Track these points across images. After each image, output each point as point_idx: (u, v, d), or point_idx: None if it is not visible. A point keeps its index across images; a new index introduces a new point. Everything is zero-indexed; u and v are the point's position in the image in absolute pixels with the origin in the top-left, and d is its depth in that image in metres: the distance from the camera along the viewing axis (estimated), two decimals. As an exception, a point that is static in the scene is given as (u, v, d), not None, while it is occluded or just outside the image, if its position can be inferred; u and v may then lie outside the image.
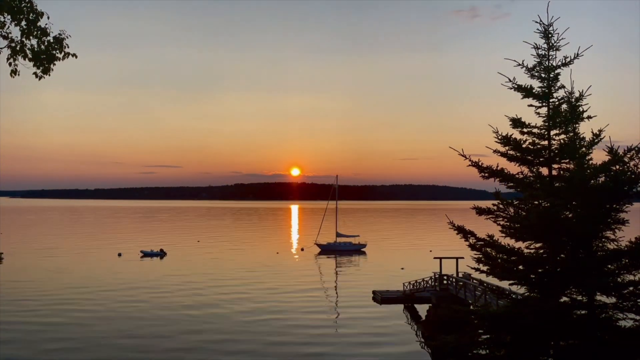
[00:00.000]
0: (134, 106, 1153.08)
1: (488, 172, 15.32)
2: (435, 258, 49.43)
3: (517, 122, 15.41)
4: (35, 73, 9.29)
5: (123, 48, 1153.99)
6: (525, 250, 14.66)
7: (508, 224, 14.88)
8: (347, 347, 33.42)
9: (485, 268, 14.64)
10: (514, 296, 15.38)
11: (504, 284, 15.70)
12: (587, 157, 14.63)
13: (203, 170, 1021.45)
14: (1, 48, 9.13)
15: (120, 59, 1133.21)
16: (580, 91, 14.91)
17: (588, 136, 14.74)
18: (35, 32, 9.01)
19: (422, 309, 43.42)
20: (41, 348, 32.62)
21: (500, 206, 15.20)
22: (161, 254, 78.20)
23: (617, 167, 13.84)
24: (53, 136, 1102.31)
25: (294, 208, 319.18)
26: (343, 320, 40.53)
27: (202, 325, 38.14)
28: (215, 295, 49.12)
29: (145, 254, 78.26)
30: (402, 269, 65.07)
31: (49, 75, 9.47)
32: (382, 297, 46.51)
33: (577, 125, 14.98)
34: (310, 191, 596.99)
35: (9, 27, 9.01)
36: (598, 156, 14.45)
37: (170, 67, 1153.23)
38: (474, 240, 14.98)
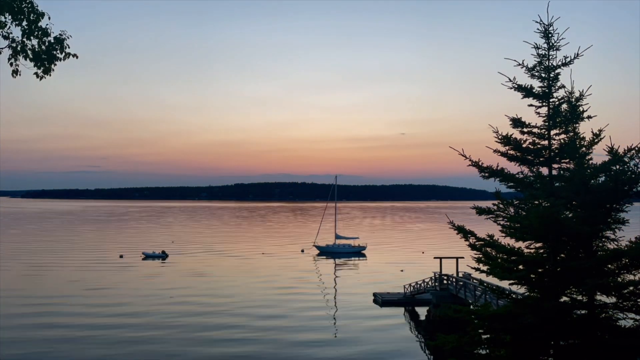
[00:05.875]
0: (133, 104, 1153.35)
1: (488, 172, 15.32)
2: (435, 258, 49.42)
3: (517, 122, 15.42)
4: (36, 73, 9.29)
5: (123, 43, 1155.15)
6: (525, 250, 14.65)
7: (508, 223, 14.88)
8: (349, 350, 33.42)
9: (485, 268, 14.62)
10: (514, 296, 15.38)
11: (504, 284, 15.70)
12: (587, 157, 14.63)
13: (203, 170, 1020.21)
14: (2, 48, 9.14)
15: (122, 54, 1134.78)
16: (581, 91, 14.92)
17: (588, 136, 14.75)
18: (36, 33, 9.01)
19: (423, 312, 43.41)
20: (39, 348, 32.61)
21: (500, 206, 15.20)
22: (163, 256, 78.11)
23: (617, 167, 13.85)
24: (53, 135, 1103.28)
25: (294, 208, 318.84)
26: (345, 323, 40.50)
27: (200, 326, 38.14)
28: (214, 297, 49.11)
29: (147, 256, 78.19)
30: (402, 270, 65.00)
31: (50, 75, 9.47)
32: (383, 300, 46.49)
33: (577, 125, 14.98)
34: (310, 191, 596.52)
35: (9, 27, 9.02)
36: (598, 156, 14.47)
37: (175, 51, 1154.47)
38: (474, 240, 14.97)
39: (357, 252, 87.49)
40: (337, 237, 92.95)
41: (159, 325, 38.18)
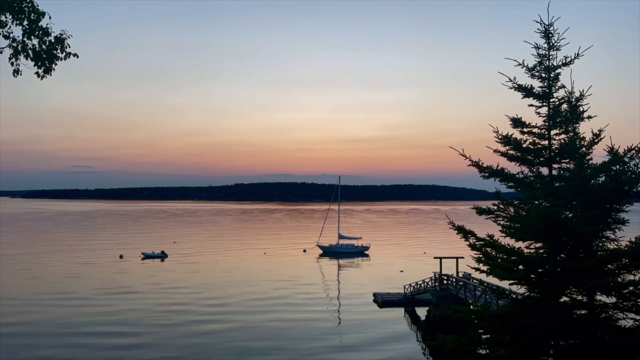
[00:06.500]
0: (133, 104, 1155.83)
1: (488, 172, 15.34)
2: (435, 258, 49.37)
3: (517, 122, 15.44)
4: (37, 73, 9.31)
5: (124, 44, 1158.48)
6: (525, 250, 14.67)
7: (508, 224, 14.90)
8: (348, 350, 33.42)
9: (485, 268, 14.64)
10: (514, 296, 15.40)
11: (504, 284, 15.71)
12: (587, 157, 14.65)
13: (203, 170, 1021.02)
14: (2, 48, 9.16)
15: (122, 54, 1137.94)
16: (581, 91, 14.94)
17: (588, 136, 14.78)
18: (37, 32, 9.03)
19: (423, 312, 43.34)
20: (39, 349, 32.64)
21: (501, 206, 15.23)
22: (162, 256, 78.04)
23: (617, 167, 13.86)
24: (53, 135, 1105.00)
25: (294, 209, 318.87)
26: (344, 323, 40.51)
27: (200, 325, 38.16)
28: (215, 297, 49.13)
29: (147, 256, 78.14)
30: (402, 271, 64.91)
31: (51, 75, 9.50)
32: (383, 300, 46.45)
33: (577, 125, 15.01)
34: (310, 192, 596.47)
35: (10, 27, 9.04)
36: (598, 156, 14.49)
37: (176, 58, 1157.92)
38: (474, 240, 14.99)
39: (360, 252, 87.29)
40: (340, 237, 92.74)
41: (159, 325, 38.22)
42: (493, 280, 16.95)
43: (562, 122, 15.05)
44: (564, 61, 15.00)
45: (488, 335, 14.95)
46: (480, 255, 14.82)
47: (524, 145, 15.36)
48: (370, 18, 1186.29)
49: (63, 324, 38.41)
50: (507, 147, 15.49)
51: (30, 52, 9.14)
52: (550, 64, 15.12)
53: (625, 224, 14.38)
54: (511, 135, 15.38)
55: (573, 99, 15.01)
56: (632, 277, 13.86)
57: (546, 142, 15.26)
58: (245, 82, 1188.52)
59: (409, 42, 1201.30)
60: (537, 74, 15.26)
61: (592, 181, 14.16)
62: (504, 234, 14.98)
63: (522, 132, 15.47)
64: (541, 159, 15.31)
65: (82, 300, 46.53)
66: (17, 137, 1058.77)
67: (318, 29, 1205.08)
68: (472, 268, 15.05)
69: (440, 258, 46.66)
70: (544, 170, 15.36)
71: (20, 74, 9.32)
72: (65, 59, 9.33)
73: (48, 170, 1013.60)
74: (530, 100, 15.44)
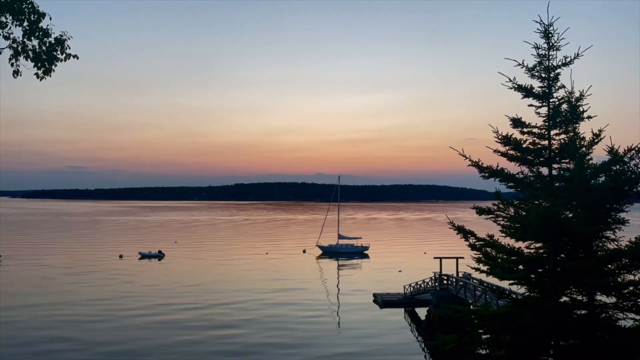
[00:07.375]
0: (132, 104, 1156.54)
1: (488, 172, 15.35)
2: (435, 258, 49.35)
3: (517, 122, 15.44)
4: (36, 74, 9.31)
5: (124, 45, 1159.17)
6: (525, 250, 14.68)
7: (508, 224, 14.91)
8: (348, 350, 33.42)
9: (485, 268, 14.64)
10: (514, 296, 15.40)
11: (504, 284, 15.71)
12: (587, 157, 14.66)
13: (203, 170, 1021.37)
14: (2, 49, 9.17)
15: (122, 55, 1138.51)
16: (581, 91, 14.95)
17: (588, 136, 14.78)
18: (37, 33, 9.03)
19: (423, 312, 43.33)
20: (40, 348, 32.66)
21: (501, 206, 15.24)
22: (159, 256, 77.95)
23: (617, 167, 13.87)
24: (54, 136, 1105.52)
25: (294, 209, 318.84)
26: (344, 323, 40.50)
27: (199, 325, 38.15)
28: (214, 297, 49.12)
29: (144, 256, 78.08)
30: (400, 271, 64.90)
31: (50, 76, 9.50)
32: (383, 300, 46.43)
33: (577, 125, 15.01)
34: (311, 191, 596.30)
35: (10, 27, 9.04)
36: (598, 156, 14.50)
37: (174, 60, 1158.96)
38: (474, 240, 14.99)
39: (360, 252, 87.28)
40: (340, 237, 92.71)
41: (159, 324, 38.23)
42: (493, 280, 16.95)
43: (562, 122, 15.06)
44: (563, 61, 15.01)
45: (488, 335, 14.96)
46: (480, 255, 14.82)
47: (524, 145, 15.37)
48: (370, 19, 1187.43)
49: (63, 322, 38.44)
50: (507, 147, 15.50)
51: (30, 53, 9.14)
52: (550, 64, 15.13)
53: (625, 224, 14.38)
54: (511, 135, 15.39)
55: (573, 99, 15.02)
56: (632, 277, 13.87)
57: (546, 142, 15.27)
58: (245, 82, 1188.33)
59: (410, 42, 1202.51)
60: (537, 74, 15.27)
61: (592, 181, 14.17)
62: (504, 234, 14.99)
63: (522, 132, 15.48)
64: (541, 159, 15.31)
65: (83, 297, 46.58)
66: (17, 137, 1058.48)
67: (317, 30, 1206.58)
68: (472, 268, 15.06)
69: (440, 258, 46.63)
70: (544, 170, 15.37)
71: (20, 75, 9.32)
72: (65, 60, 9.33)
73: (48, 170, 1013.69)
74: (530, 100, 15.45)
